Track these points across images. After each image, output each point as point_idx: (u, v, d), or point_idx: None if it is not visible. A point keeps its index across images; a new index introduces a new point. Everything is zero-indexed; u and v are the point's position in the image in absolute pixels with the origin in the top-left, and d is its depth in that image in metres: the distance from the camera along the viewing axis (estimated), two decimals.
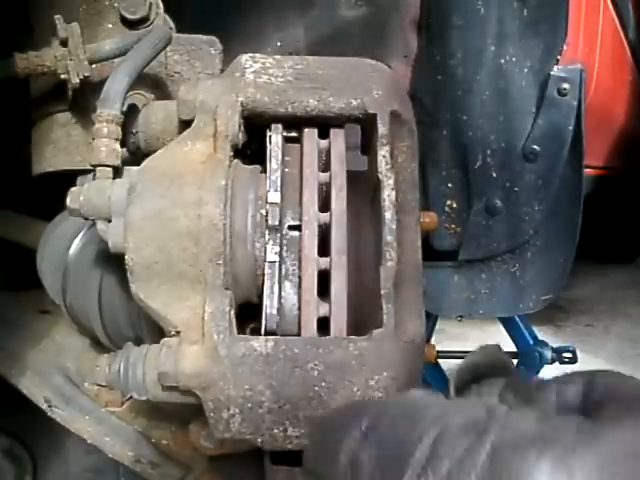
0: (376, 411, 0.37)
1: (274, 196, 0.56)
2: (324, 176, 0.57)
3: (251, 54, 0.63)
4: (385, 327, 0.53)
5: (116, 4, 0.72)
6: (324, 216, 0.55)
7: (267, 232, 0.56)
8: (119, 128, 0.63)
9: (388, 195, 0.56)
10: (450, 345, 2.17)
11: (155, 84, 0.75)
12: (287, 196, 0.57)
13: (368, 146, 0.64)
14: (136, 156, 0.66)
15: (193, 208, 0.55)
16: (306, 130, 0.60)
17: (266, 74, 0.61)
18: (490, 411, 0.34)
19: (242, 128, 0.59)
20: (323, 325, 0.54)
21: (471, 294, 1.06)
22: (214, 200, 0.55)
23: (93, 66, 0.69)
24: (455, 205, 1.03)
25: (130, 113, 0.66)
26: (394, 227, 0.55)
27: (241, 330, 0.56)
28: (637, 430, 0.32)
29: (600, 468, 0.29)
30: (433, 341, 1.84)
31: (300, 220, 0.55)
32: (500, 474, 0.30)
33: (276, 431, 0.53)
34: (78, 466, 1.00)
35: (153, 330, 0.65)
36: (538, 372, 2.13)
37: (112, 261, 0.64)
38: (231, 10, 0.94)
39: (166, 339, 0.57)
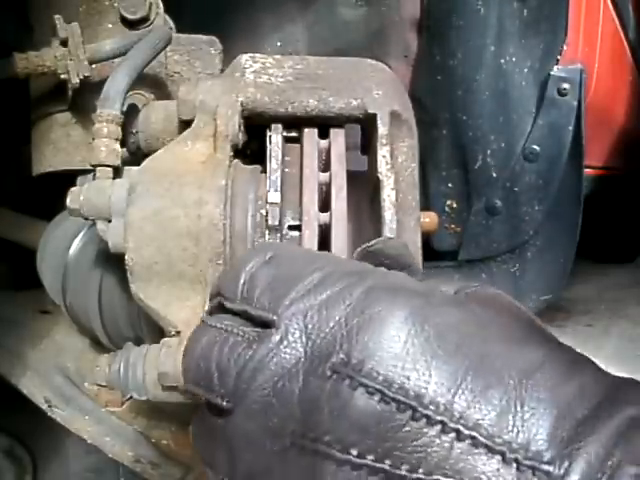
0: (280, 249, 0.42)
1: (274, 196, 0.56)
2: (324, 176, 0.57)
3: (251, 54, 0.63)
4: None
5: (116, 4, 0.72)
6: (324, 216, 0.55)
7: (267, 232, 0.56)
8: (119, 128, 0.63)
9: (388, 195, 0.56)
10: None
11: (155, 84, 0.75)
12: (287, 196, 0.57)
13: (368, 146, 0.64)
14: (136, 156, 0.66)
15: (193, 208, 0.55)
16: (306, 130, 0.60)
17: (266, 74, 0.61)
18: (376, 267, 0.41)
19: (242, 128, 0.59)
20: None
21: None
22: (214, 200, 0.55)
23: (93, 66, 0.69)
24: (455, 205, 1.03)
25: (130, 113, 0.66)
26: (394, 227, 0.56)
27: None
28: (488, 309, 0.37)
29: (449, 327, 0.34)
30: None
31: (300, 220, 0.55)
32: (368, 305, 0.34)
33: None
34: (78, 466, 1.00)
35: (153, 330, 0.65)
36: None
37: (112, 261, 0.64)
38: (230, 10, 0.94)
39: (166, 339, 0.57)
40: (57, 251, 0.73)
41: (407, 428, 0.31)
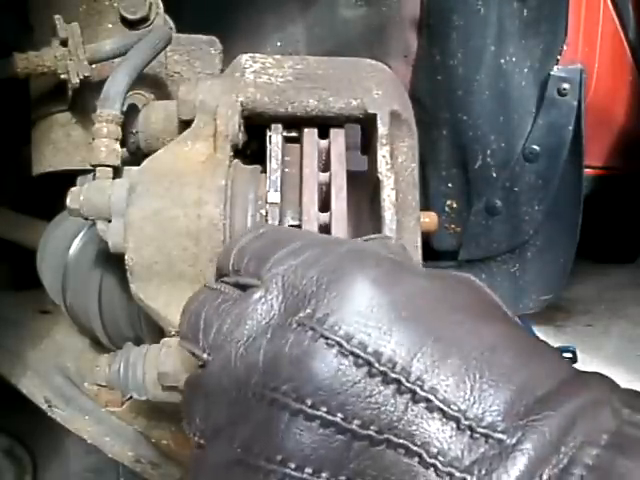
0: (270, 227, 0.48)
1: (274, 196, 0.56)
2: (324, 176, 0.57)
3: (251, 54, 0.63)
4: None
5: (116, 4, 0.72)
6: (324, 216, 0.55)
7: None
8: (119, 128, 0.63)
9: (388, 195, 0.56)
10: None
11: (155, 84, 0.75)
12: (287, 196, 0.57)
13: (368, 146, 0.64)
14: (136, 156, 0.66)
15: (193, 208, 0.55)
16: (306, 130, 0.60)
17: (266, 74, 0.61)
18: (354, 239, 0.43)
19: (242, 128, 0.59)
20: None
21: None
22: (214, 200, 0.55)
23: (93, 66, 0.69)
24: (455, 205, 1.03)
25: (130, 113, 0.66)
26: (394, 227, 0.55)
27: None
28: (458, 285, 0.38)
29: (416, 294, 0.35)
30: None
31: (300, 220, 0.55)
32: (340, 266, 0.35)
33: None
34: (78, 466, 1.00)
35: (153, 330, 0.65)
36: None
37: (112, 261, 0.64)
38: (231, 10, 0.94)
39: (166, 339, 0.57)
40: (57, 251, 0.73)
41: (362, 384, 0.31)
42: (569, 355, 2.08)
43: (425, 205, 0.99)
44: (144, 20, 0.72)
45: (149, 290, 0.56)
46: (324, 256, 0.37)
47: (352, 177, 0.58)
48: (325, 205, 0.56)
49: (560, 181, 0.98)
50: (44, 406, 0.79)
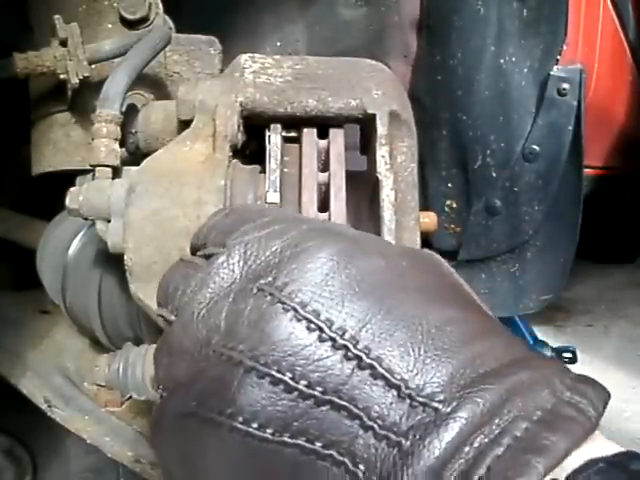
0: (240, 205, 0.53)
1: (273, 196, 0.56)
2: (323, 176, 0.58)
3: (250, 54, 0.63)
4: None
5: (116, 4, 0.72)
6: (323, 216, 0.55)
7: None
8: (118, 128, 0.63)
9: (387, 195, 0.57)
10: None
11: (154, 84, 0.75)
12: (286, 196, 0.57)
13: (367, 146, 0.64)
14: (135, 156, 0.66)
15: (192, 208, 0.55)
16: (305, 130, 0.60)
17: (265, 74, 0.61)
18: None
19: (241, 128, 0.60)
20: None
21: None
22: (213, 200, 0.55)
23: (93, 66, 0.69)
24: (455, 205, 1.03)
25: (129, 113, 0.66)
26: (393, 227, 0.56)
27: None
28: (418, 265, 0.40)
29: (371, 271, 0.36)
30: None
31: None
32: (302, 241, 0.37)
33: None
34: (78, 466, 1.00)
35: (152, 330, 0.65)
36: None
37: (112, 261, 0.64)
38: (230, 10, 0.94)
39: None
40: (57, 251, 0.73)
41: (312, 347, 0.33)
42: (569, 355, 2.07)
43: (425, 205, 0.99)
44: (144, 20, 0.72)
45: (148, 290, 0.56)
46: (288, 231, 0.39)
47: (351, 177, 0.58)
48: (324, 205, 0.56)
49: (560, 181, 0.98)
50: (44, 406, 0.79)
